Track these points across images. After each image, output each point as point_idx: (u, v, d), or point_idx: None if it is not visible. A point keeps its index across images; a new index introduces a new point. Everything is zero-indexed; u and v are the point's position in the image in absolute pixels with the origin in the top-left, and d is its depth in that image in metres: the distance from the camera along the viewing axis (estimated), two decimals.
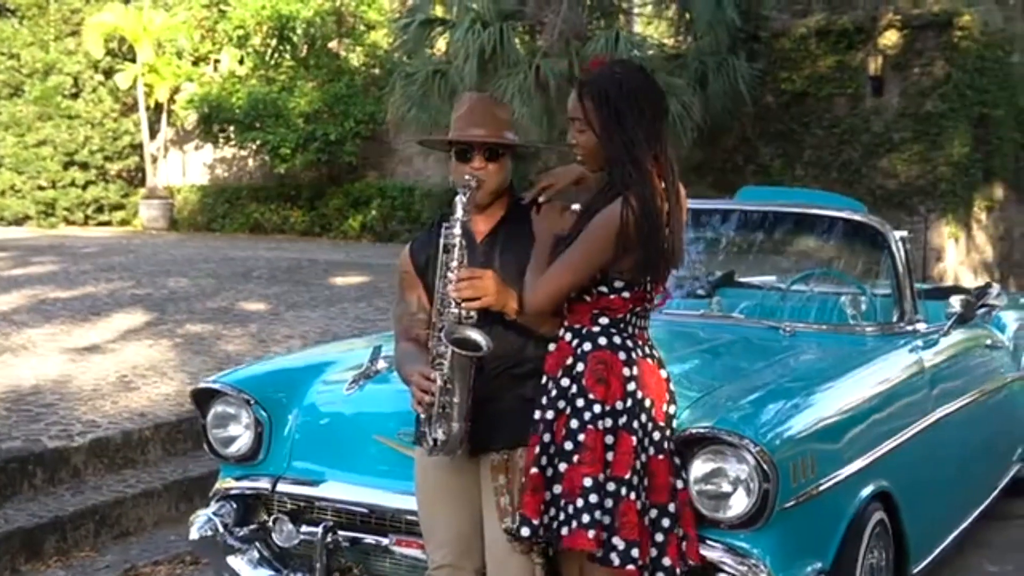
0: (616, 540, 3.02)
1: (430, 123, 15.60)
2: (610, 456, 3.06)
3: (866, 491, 3.73)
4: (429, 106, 15.37)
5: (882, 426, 3.97)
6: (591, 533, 3.00)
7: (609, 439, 3.06)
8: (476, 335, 3.16)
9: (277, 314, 10.08)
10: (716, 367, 4.12)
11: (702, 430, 3.26)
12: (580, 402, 3.10)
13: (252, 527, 4.01)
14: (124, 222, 21.47)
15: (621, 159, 3.10)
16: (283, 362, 4.56)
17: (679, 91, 14.55)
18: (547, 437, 3.14)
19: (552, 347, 3.24)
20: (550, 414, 3.15)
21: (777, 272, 5.15)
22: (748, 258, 5.15)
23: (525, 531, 3.09)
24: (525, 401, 3.31)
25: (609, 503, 3.03)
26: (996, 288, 5.51)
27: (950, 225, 15.22)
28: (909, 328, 4.66)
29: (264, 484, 4.00)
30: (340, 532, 3.81)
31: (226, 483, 4.13)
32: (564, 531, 3.03)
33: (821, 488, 3.47)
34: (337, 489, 3.88)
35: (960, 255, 15.62)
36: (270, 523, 3.97)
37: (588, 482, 3.03)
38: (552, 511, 3.09)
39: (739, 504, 3.23)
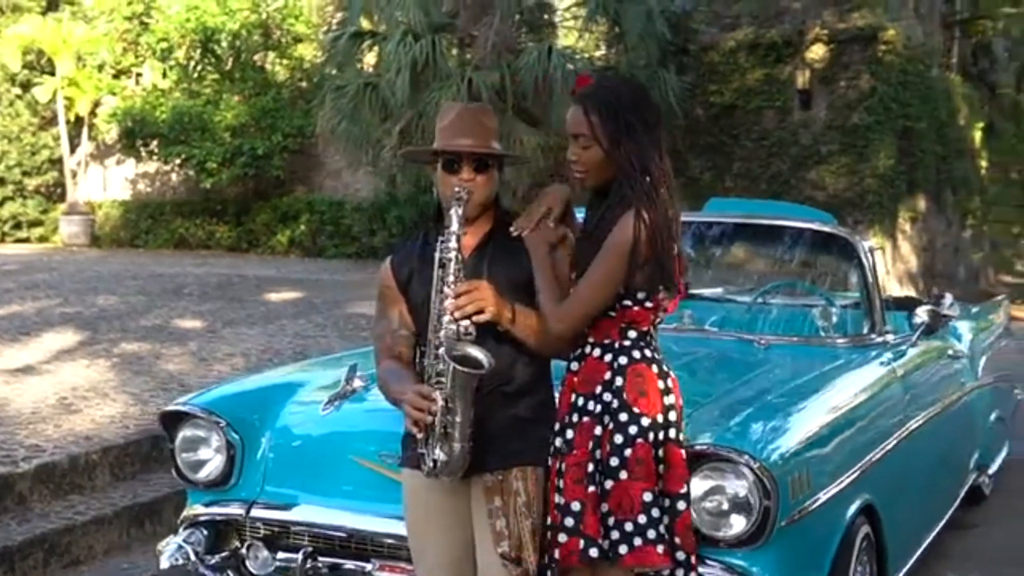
0: (680, 555, 3.04)
1: (361, 136, 15.49)
2: (660, 469, 3.04)
3: (855, 505, 3.71)
4: (360, 119, 15.24)
5: (865, 440, 3.96)
6: (660, 548, 2.99)
7: (659, 452, 3.04)
8: (478, 352, 3.08)
9: (214, 331, 9.87)
10: (698, 382, 4.07)
11: (701, 447, 3.21)
12: (623, 416, 3.06)
13: (224, 554, 3.87)
14: (43, 239, 20.97)
15: (631, 171, 3.06)
16: (254, 382, 4.42)
17: None
18: (599, 453, 3.08)
19: (575, 365, 3.19)
20: (598, 430, 3.09)
21: (747, 284, 5.13)
22: (717, 270, 5.12)
23: (593, 552, 3.02)
24: (518, 420, 3.24)
25: (667, 518, 3.02)
26: (949, 298, 5.54)
27: (877, 236, 15.44)
28: (879, 339, 4.66)
29: (237, 509, 3.87)
30: (320, 558, 3.69)
31: (195, 509, 3.98)
32: (623, 549, 2.99)
33: (816, 504, 3.43)
34: (315, 513, 3.76)
35: (886, 266, 15.86)
36: (243, 550, 3.84)
37: (648, 497, 3.01)
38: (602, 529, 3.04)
39: (739, 522, 3.19)
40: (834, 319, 4.66)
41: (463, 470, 3.14)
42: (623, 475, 3.04)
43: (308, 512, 3.76)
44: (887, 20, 15.73)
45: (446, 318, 3.13)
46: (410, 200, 16.86)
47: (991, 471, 6.29)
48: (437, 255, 3.19)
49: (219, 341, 9.33)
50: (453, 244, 3.17)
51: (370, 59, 16.56)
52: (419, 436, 3.13)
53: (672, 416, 3.11)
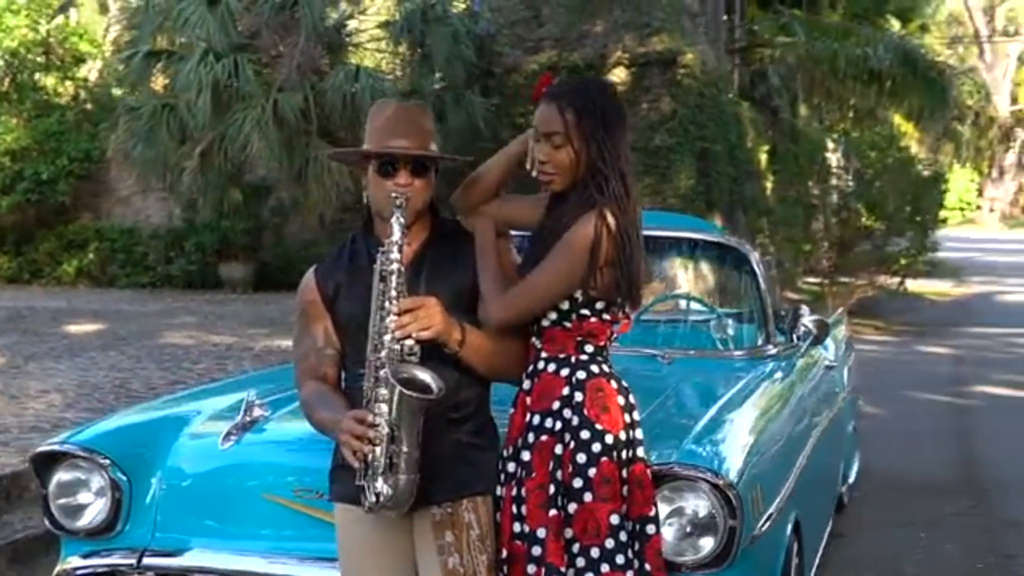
0: None
1: (158, 160, 14.81)
2: (624, 490, 2.83)
3: (791, 521, 3.62)
4: (157, 142, 14.57)
5: (789, 454, 3.88)
6: (629, 575, 2.77)
7: (623, 472, 2.83)
8: (426, 375, 2.81)
9: (18, 367, 9.12)
10: None
11: (660, 466, 3.03)
12: (585, 434, 2.83)
13: None
14: None
15: (605, 173, 2.86)
16: (137, 416, 3.96)
17: None
18: (560, 475, 2.84)
19: (527, 383, 2.96)
20: (558, 448, 2.85)
21: None
22: None
23: None
24: (464, 446, 3.00)
25: (636, 543, 2.81)
26: (806, 309, 5.58)
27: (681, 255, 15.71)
28: (772, 351, 4.61)
29: (126, 559, 3.43)
30: None
31: (71, 562, 3.52)
32: None
33: (768, 522, 3.31)
34: (220, 559, 3.37)
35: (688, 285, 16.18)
36: None
37: (615, 519, 2.80)
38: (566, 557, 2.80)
39: (705, 544, 3.02)
40: (730, 331, 4.58)
41: (410, 504, 2.87)
42: (587, 497, 2.83)
43: (212, 558, 3.38)
44: (685, 45, 16.13)
45: (387, 337, 2.86)
46: (210, 226, 16.19)
47: (851, 480, 6.38)
48: (377, 267, 2.91)
49: (26, 377, 8.63)
50: (395, 255, 2.89)
51: (162, 80, 15.84)
52: (358, 468, 2.83)
53: (636, 433, 2.92)
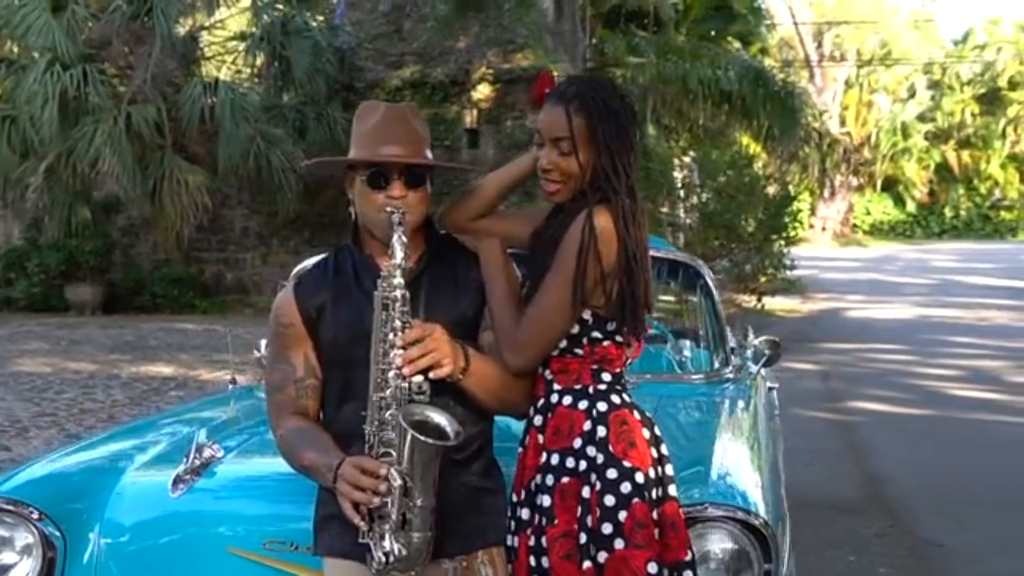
0: None
1: None
2: (655, 534, 2.54)
3: (793, 556, 3.38)
4: None
5: (778, 485, 3.64)
6: None
7: (654, 513, 2.53)
8: (441, 418, 2.48)
9: None
10: None
11: (693, 507, 2.75)
12: (612, 473, 2.52)
13: None
14: None
15: (615, 186, 2.58)
16: (66, 460, 3.43)
17: (280, 142, 13.99)
18: (590, 520, 2.52)
19: (539, 419, 2.64)
20: (586, 491, 2.54)
21: None
22: None
23: None
24: (473, 490, 2.68)
25: None
26: (749, 328, 5.45)
27: None
28: (731, 374, 4.40)
29: None
30: None
31: None
32: None
33: (790, 560, 3.06)
34: None
35: None
36: None
37: (653, 568, 2.49)
38: None
39: None
40: (687, 353, 4.35)
41: (425, 564, 2.52)
42: (619, 544, 2.52)
43: None
44: (549, 62, 16.04)
45: (392, 373, 2.52)
46: (55, 246, 15.31)
47: None
48: (378, 294, 2.56)
49: None
50: (398, 279, 2.56)
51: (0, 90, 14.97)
52: (361, 525, 2.48)
53: (667, 469, 2.64)
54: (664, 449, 2.66)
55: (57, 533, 3.03)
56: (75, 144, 13.27)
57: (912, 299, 22.24)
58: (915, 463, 8.33)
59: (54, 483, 3.21)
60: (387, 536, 2.44)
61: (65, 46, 13.49)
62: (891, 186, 48.27)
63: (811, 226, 44.54)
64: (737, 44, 27.87)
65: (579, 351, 2.64)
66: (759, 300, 17.73)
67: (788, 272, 18.03)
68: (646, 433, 2.64)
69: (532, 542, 2.61)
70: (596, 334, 2.63)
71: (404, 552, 2.45)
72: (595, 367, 2.65)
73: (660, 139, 24.81)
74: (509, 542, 2.67)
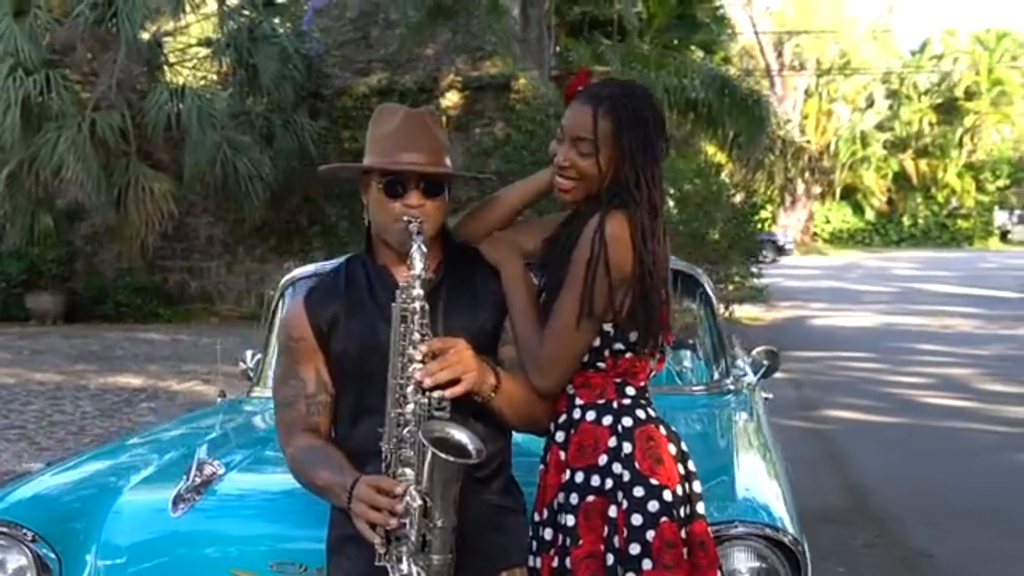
0: None
1: None
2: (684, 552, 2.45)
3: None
4: None
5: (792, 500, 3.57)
6: None
7: (682, 532, 2.45)
8: (463, 435, 2.38)
9: None
10: None
11: (722, 524, 2.67)
12: (639, 491, 2.43)
13: None
14: None
15: (636, 198, 2.49)
16: (59, 478, 3.30)
17: (246, 149, 13.83)
18: (617, 541, 2.43)
19: (561, 435, 2.55)
20: (612, 511, 2.45)
21: None
22: None
23: None
24: (494, 509, 2.58)
25: None
26: (734, 337, 5.38)
27: None
28: (731, 385, 4.33)
29: None
30: None
31: None
32: None
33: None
34: None
35: None
36: None
37: None
38: None
39: None
40: (687, 364, 4.28)
41: None
42: (647, 565, 2.43)
43: None
44: (517, 70, 15.98)
45: (410, 388, 2.41)
46: (16, 254, 15.05)
47: None
48: (397, 305, 2.46)
49: None
50: (418, 291, 2.45)
51: None
52: (378, 546, 2.37)
53: (694, 486, 2.55)
54: (691, 465, 2.57)
55: (52, 555, 2.90)
56: (38, 151, 13.05)
57: (875, 307, 22.36)
58: (895, 472, 8.31)
59: (47, 503, 3.08)
60: (405, 559, 2.35)
61: (28, 51, 13.27)
62: (850, 194, 48.67)
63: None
64: (700, 53, 28.00)
65: (601, 364, 2.55)
66: (727, 308, 17.70)
67: (756, 280, 18.02)
68: (672, 449, 2.56)
69: (556, 563, 2.52)
70: (618, 346, 2.54)
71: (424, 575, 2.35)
72: (618, 380, 2.56)
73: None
74: (531, 563, 2.57)
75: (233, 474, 3.11)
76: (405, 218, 2.53)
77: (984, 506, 7.07)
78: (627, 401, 2.55)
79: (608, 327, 2.52)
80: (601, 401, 2.54)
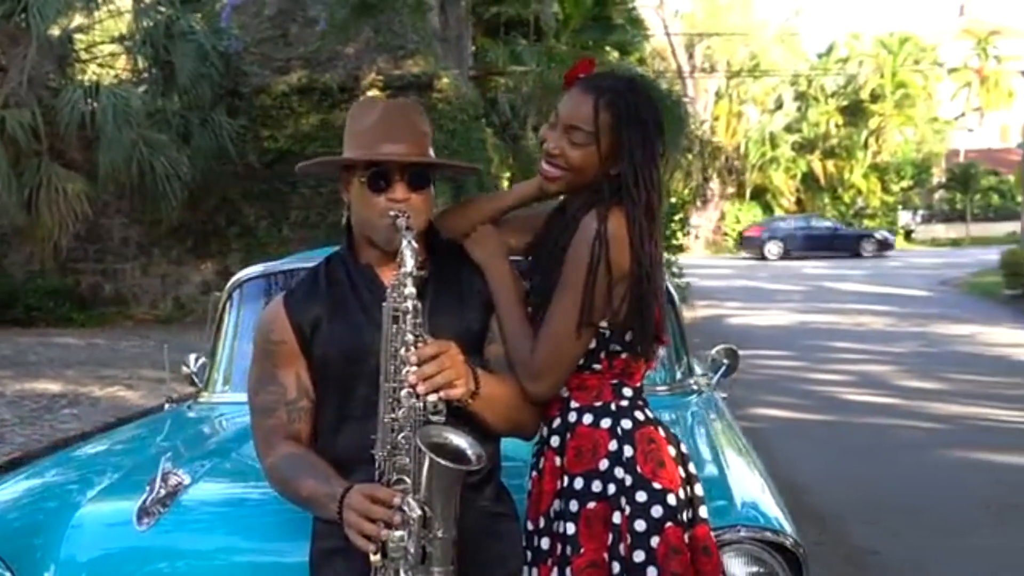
0: None
1: None
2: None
3: None
4: None
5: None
6: None
7: (685, 537, 2.38)
8: (461, 440, 2.28)
9: None
10: None
11: (725, 529, 2.59)
12: (642, 495, 2.36)
13: None
14: None
15: (634, 198, 2.40)
16: (12, 491, 3.05)
17: (163, 147, 13.51)
18: (622, 548, 2.35)
19: (556, 440, 2.47)
20: (616, 517, 2.37)
21: None
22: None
23: None
24: (489, 516, 2.50)
25: None
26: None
27: None
28: (694, 385, 4.28)
29: None
30: None
31: None
32: None
33: None
34: None
35: None
36: None
37: None
38: None
39: None
40: None
41: None
42: (651, 572, 2.36)
43: None
44: (440, 68, 15.84)
45: (404, 392, 2.30)
46: None
47: None
48: (388, 305, 2.35)
49: None
50: (410, 289, 2.35)
51: None
52: (374, 560, 2.25)
53: (696, 489, 2.48)
54: (692, 468, 2.50)
55: (7, 574, 2.72)
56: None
57: (788, 305, 22.62)
58: (826, 469, 8.36)
59: (3, 517, 2.90)
60: (403, 572, 2.23)
61: None
62: (760, 195, 49.26)
63: (686, 234, 45.27)
64: (616, 54, 28.11)
65: (597, 366, 2.47)
66: None
67: (677, 280, 18.13)
68: (672, 451, 2.49)
69: (555, 574, 2.42)
70: (615, 346, 2.46)
71: None
72: (615, 382, 2.49)
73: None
74: (527, 574, 2.47)
75: (201, 484, 2.96)
76: (392, 213, 2.42)
77: (919, 504, 7.14)
78: (625, 403, 2.49)
79: (604, 326, 2.44)
80: (598, 403, 2.47)
